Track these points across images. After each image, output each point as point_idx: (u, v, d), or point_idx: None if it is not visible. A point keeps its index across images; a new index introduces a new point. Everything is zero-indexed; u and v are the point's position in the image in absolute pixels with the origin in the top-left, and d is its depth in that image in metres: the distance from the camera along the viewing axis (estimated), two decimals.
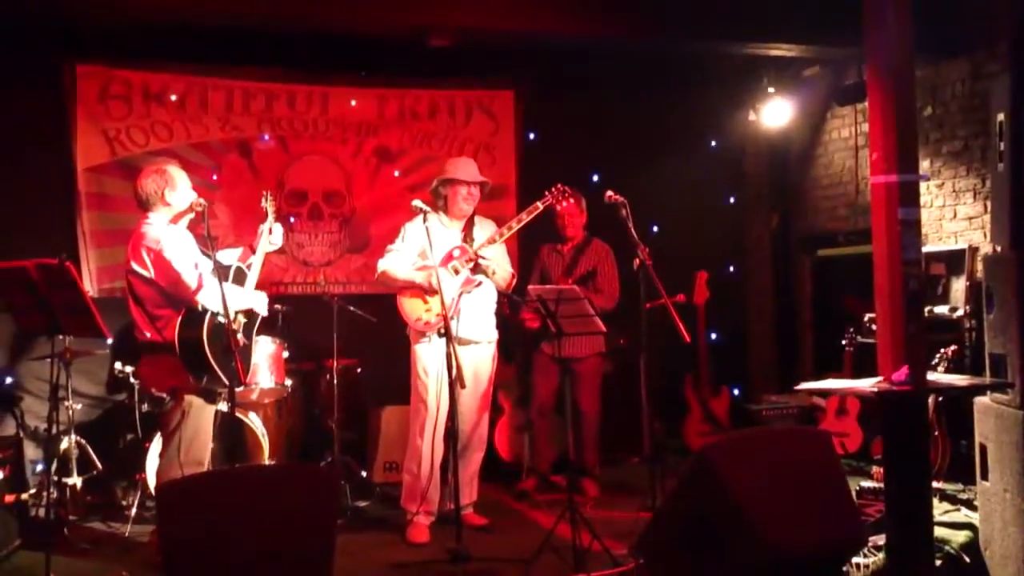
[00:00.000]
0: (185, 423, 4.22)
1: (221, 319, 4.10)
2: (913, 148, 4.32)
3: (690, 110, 7.27)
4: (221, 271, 4.08)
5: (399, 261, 4.95)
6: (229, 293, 4.08)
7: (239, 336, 4.30)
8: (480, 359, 4.96)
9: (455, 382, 4.33)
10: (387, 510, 5.42)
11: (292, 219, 6.58)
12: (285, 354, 5.63)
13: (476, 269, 4.86)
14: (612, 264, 5.77)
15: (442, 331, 4.56)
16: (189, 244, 4.32)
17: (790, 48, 6.33)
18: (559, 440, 5.85)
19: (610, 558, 4.19)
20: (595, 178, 6.73)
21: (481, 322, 4.96)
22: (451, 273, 4.83)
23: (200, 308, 4.12)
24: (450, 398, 4.40)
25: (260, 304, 4.47)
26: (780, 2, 5.77)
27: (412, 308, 4.89)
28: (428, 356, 4.85)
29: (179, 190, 4.31)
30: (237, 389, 4.24)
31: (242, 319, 4.35)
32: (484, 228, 5.07)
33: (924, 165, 6.24)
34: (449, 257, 4.89)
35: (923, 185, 6.21)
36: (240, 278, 4.41)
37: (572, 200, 5.10)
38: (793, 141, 7.62)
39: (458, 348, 4.55)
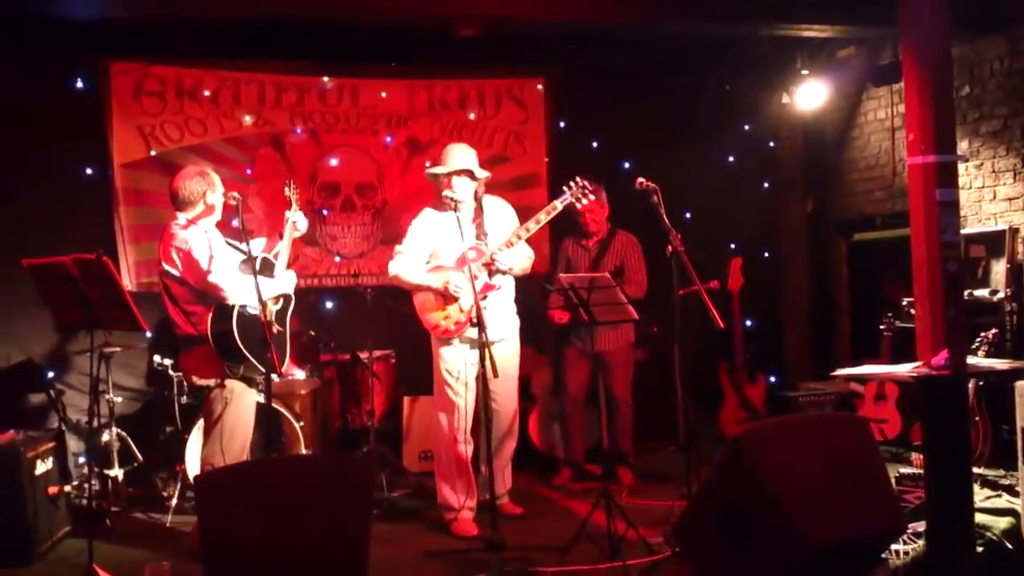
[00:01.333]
0: (228, 410, 4.33)
1: (251, 311, 4.18)
2: (950, 128, 4.25)
3: (722, 94, 7.20)
4: (253, 264, 4.13)
5: (410, 264, 4.79)
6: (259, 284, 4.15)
7: (274, 325, 4.35)
8: (506, 354, 4.83)
9: (484, 374, 4.29)
10: (423, 499, 5.46)
11: (325, 211, 6.63)
12: (320, 345, 5.68)
13: (494, 271, 4.70)
14: (639, 254, 5.72)
15: (469, 328, 4.54)
16: (213, 242, 4.38)
17: (823, 29, 6.24)
18: (592, 429, 5.86)
19: (646, 546, 4.18)
20: (626, 164, 6.70)
21: (502, 319, 4.83)
22: (466, 277, 4.58)
23: (229, 303, 4.20)
24: (484, 389, 4.39)
25: (288, 285, 4.52)
26: None
27: (430, 316, 4.77)
28: (453, 358, 4.74)
29: (218, 193, 4.45)
30: (273, 379, 4.32)
31: (272, 306, 4.41)
32: (494, 212, 4.86)
33: (962, 145, 6.12)
34: (463, 259, 4.61)
35: (961, 166, 6.10)
36: (265, 269, 4.46)
37: (593, 196, 4.86)
38: (828, 123, 7.52)
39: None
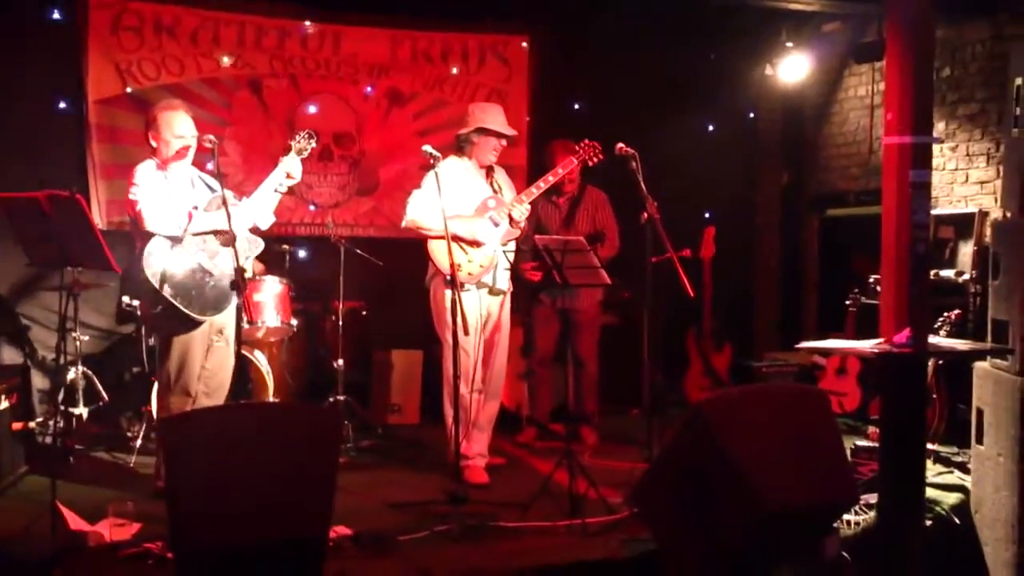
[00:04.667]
0: (170, 354, 4.29)
1: (185, 240, 4.14)
2: (929, 110, 4.30)
3: (705, 62, 7.19)
4: (226, 204, 4.05)
5: (431, 210, 4.65)
6: (203, 217, 4.15)
7: (210, 264, 4.24)
8: (506, 307, 5.01)
9: (459, 329, 4.32)
10: (388, 450, 5.52)
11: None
12: (291, 294, 5.67)
13: (511, 221, 4.82)
14: (610, 211, 5.77)
15: (486, 275, 4.71)
16: (162, 183, 4.30)
17: (811, 3, 6.24)
18: (559, 389, 5.93)
19: (605, 506, 4.26)
20: (606, 128, 6.68)
21: (506, 272, 4.93)
22: (490, 224, 4.79)
23: (146, 228, 4.14)
24: (457, 344, 4.42)
25: (221, 222, 4.15)
26: None
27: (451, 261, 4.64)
28: (468, 306, 4.59)
29: (163, 135, 4.29)
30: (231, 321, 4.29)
31: (210, 243, 4.27)
32: (501, 175, 5.03)
33: (939, 127, 6.18)
34: (484, 207, 4.80)
35: (936, 147, 6.16)
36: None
37: (602, 156, 4.98)
38: (808, 97, 7.55)
39: (493, 298, 4.85)
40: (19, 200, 3.80)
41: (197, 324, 4.27)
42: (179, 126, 4.34)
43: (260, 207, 4.42)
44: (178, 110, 4.39)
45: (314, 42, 6.54)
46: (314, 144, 4.45)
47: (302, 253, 6.32)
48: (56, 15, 5.96)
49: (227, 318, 4.40)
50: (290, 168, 4.41)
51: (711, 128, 7.32)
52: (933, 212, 6.02)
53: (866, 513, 4.12)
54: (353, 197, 6.74)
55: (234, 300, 4.26)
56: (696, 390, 6.43)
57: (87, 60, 6.03)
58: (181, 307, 4.15)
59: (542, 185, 4.91)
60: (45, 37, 5.92)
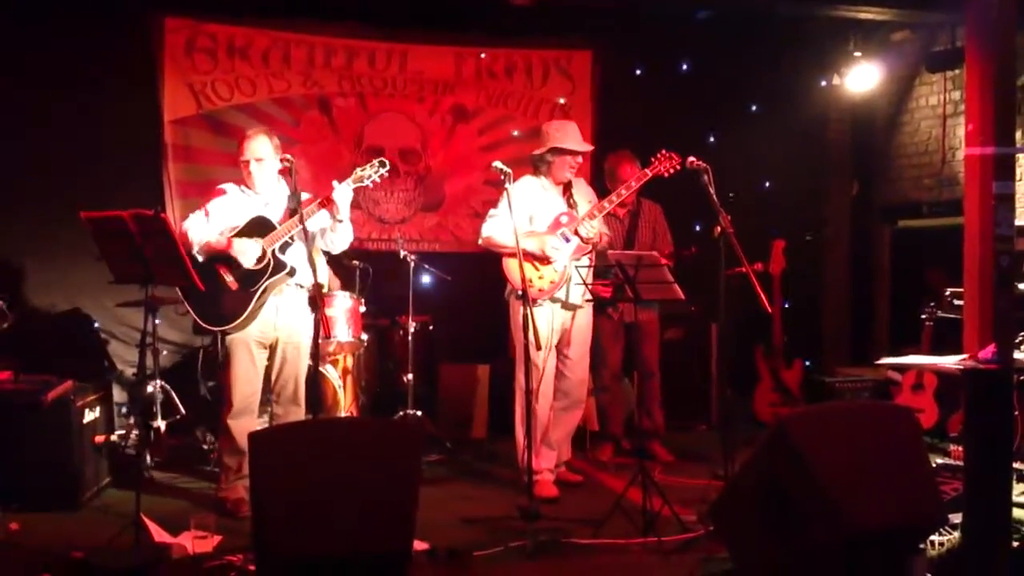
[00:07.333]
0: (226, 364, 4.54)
1: (199, 256, 4.40)
2: (1011, 120, 4.20)
3: (772, 73, 7.11)
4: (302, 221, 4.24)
5: (505, 228, 4.66)
6: (204, 235, 4.39)
7: (228, 278, 4.42)
8: (582, 322, 4.98)
9: (532, 343, 4.32)
10: (457, 465, 5.53)
11: None
12: (362, 309, 5.73)
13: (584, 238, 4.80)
14: (665, 224, 5.78)
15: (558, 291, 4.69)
16: (223, 201, 4.52)
17: (882, 12, 6.15)
18: (629, 403, 5.91)
19: (679, 524, 4.21)
20: (670, 141, 6.64)
21: (578, 286, 4.90)
22: (561, 240, 4.79)
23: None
24: (529, 358, 4.43)
25: (243, 254, 4.40)
26: None
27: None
28: (539, 320, 4.56)
29: (245, 155, 4.48)
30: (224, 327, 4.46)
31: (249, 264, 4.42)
32: (580, 188, 5.02)
33: (1016, 136, 6.03)
34: (557, 223, 4.82)
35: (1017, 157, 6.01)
36: (260, 229, 4.48)
37: (679, 168, 4.81)
38: (878, 107, 7.42)
39: (568, 312, 4.83)
40: (105, 219, 3.89)
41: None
42: (249, 149, 4.49)
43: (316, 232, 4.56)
44: (255, 136, 4.54)
45: (381, 61, 6.63)
46: (384, 173, 4.47)
47: (371, 268, 6.38)
48: (134, 37, 6.12)
49: (277, 334, 4.51)
50: (340, 190, 4.42)
51: (779, 139, 7.22)
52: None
53: (950, 534, 4.00)
54: (418, 212, 6.81)
55: (270, 312, 4.44)
56: (766, 406, 6.34)
57: (163, 81, 6.20)
58: (191, 310, 4.42)
59: (614, 199, 4.91)
60: (122, 60, 6.09)
